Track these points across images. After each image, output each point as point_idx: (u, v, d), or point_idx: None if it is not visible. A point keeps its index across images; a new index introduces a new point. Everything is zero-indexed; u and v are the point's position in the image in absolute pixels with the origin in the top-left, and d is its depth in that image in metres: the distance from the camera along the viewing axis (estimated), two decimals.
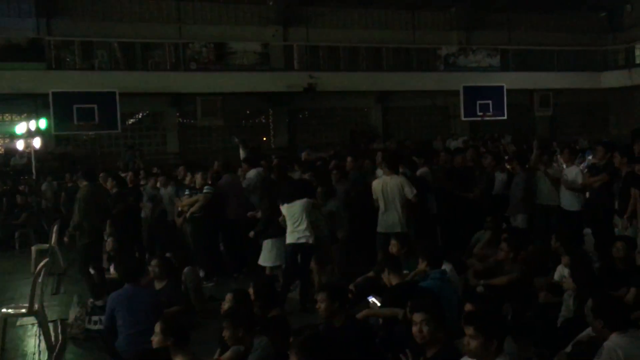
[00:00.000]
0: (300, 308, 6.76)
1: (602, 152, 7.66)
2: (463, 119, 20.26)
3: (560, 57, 22.39)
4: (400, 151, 12.95)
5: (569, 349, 4.29)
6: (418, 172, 8.35)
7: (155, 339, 4.17)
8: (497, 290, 5.67)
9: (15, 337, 6.45)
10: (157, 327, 4.18)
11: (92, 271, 7.62)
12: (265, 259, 7.66)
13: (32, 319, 6.37)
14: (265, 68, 18.88)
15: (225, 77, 18.17)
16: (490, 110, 19.84)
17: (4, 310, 6.24)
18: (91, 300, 6.98)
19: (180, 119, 19.71)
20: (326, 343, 3.84)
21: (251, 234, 7.98)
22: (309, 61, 20.00)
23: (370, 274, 6.45)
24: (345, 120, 21.52)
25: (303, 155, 15.25)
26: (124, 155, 17.67)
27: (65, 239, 8.08)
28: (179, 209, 9.14)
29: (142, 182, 10.59)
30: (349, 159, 9.55)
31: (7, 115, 19.04)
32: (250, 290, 5.03)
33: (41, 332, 6.03)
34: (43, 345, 5.99)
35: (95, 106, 16.11)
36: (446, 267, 5.63)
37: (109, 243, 8.44)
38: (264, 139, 20.67)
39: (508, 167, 9.41)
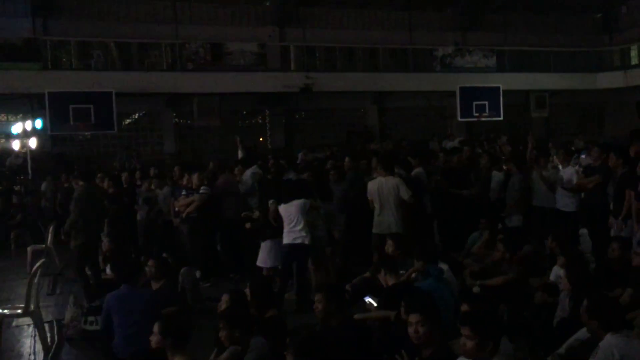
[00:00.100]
0: (297, 309, 6.76)
1: (597, 153, 7.70)
2: (459, 119, 20.30)
3: (556, 58, 22.45)
4: (395, 152, 12.97)
5: (562, 350, 4.31)
6: (413, 173, 8.36)
7: (154, 339, 4.16)
8: (493, 291, 5.70)
9: (11, 338, 6.44)
10: (156, 327, 4.18)
11: (88, 272, 7.62)
12: (264, 260, 7.67)
13: (28, 320, 6.37)
14: (261, 68, 18.86)
15: (222, 77, 18.14)
16: (487, 111, 19.89)
17: None
18: (85, 301, 6.98)
19: (176, 119, 19.68)
20: (323, 344, 3.85)
21: (247, 225, 7.99)
22: (306, 62, 20.00)
23: (367, 274, 6.47)
24: (341, 121, 21.52)
25: (300, 155, 15.27)
26: (120, 155, 17.64)
27: (63, 237, 8.08)
28: (176, 209, 9.14)
29: (138, 183, 10.58)
30: (346, 159, 9.56)
31: (2, 115, 18.99)
32: (247, 291, 5.04)
33: (37, 333, 6.02)
34: (39, 346, 5.97)
35: (92, 106, 16.06)
36: (443, 267, 5.65)
37: (105, 244, 8.44)
38: (261, 139, 20.66)
39: (505, 167, 9.44)
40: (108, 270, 8.09)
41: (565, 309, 5.05)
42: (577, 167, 8.66)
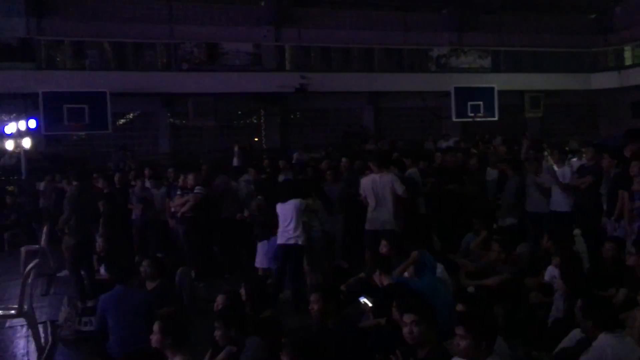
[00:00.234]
0: (293, 309, 6.76)
1: (591, 154, 7.72)
2: (454, 119, 20.32)
3: (550, 59, 22.51)
4: (387, 152, 13.00)
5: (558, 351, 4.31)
6: (406, 173, 8.37)
7: (154, 338, 4.15)
8: (488, 291, 5.71)
9: (5, 339, 6.42)
10: (156, 326, 4.17)
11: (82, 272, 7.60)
12: (260, 261, 7.66)
13: (21, 321, 6.34)
14: (257, 68, 18.84)
15: (217, 77, 18.11)
16: (482, 111, 19.93)
17: None
18: (80, 301, 6.95)
19: (171, 120, 19.63)
20: (318, 344, 3.84)
21: (239, 215, 7.99)
22: (301, 62, 19.99)
23: (362, 274, 6.48)
24: (337, 121, 21.51)
25: (295, 155, 15.26)
26: (115, 155, 17.59)
27: (59, 234, 8.05)
28: (172, 209, 9.13)
29: (132, 183, 10.56)
30: (343, 159, 9.57)
31: None
32: (242, 291, 5.03)
33: (31, 334, 5.99)
34: (33, 346, 5.95)
35: (86, 106, 16.01)
36: (438, 267, 5.65)
37: (99, 244, 8.41)
38: (256, 139, 20.64)
39: (500, 167, 9.46)
40: (102, 270, 8.07)
41: (560, 309, 5.07)
42: (571, 167, 8.69)
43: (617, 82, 21.89)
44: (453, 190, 8.51)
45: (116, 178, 10.40)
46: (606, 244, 5.90)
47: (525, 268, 6.36)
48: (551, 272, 5.72)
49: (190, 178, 8.95)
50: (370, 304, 5.14)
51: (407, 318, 3.78)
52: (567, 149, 11.80)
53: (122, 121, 18.92)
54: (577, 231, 7.84)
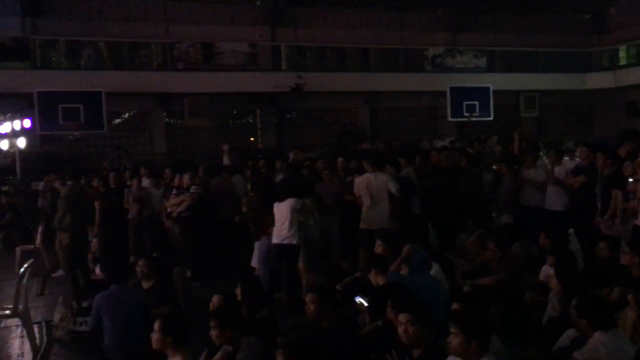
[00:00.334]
0: (288, 309, 6.75)
1: (585, 153, 7.75)
2: (450, 119, 20.37)
3: (545, 59, 22.60)
4: (382, 152, 13.02)
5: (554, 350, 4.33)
6: (402, 173, 8.39)
7: (154, 337, 4.15)
8: (484, 290, 5.72)
9: (0, 339, 6.39)
10: (156, 325, 4.17)
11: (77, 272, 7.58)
12: (257, 261, 7.66)
13: (16, 321, 6.32)
14: (252, 68, 18.84)
15: (213, 77, 18.11)
16: (477, 111, 19.98)
17: None
18: (75, 301, 6.94)
19: (167, 119, 19.60)
20: (313, 344, 3.84)
21: (237, 218, 8.01)
22: (297, 61, 20.02)
23: (358, 274, 6.48)
24: (333, 121, 21.52)
25: (290, 155, 15.25)
26: (110, 155, 17.55)
27: (55, 231, 8.04)
28: (168, 209, 9.11)
29: (128, 183, 10.53)
30: (340, 159, 9.58)
31: None
32: (238, 291, 5.03)
33: (26, 334, 5.98)
34: (27, 347, 5.93)
35: (81, 106, 15.99)
36: (433, 267, 5.66)
37: (94, 244, 8.39)
38: (252, 139, 20.63)
39: (495, 167, 9.48)
40: (97, 270, 8.05)
41: (555, 308, 5.08)
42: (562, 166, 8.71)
43: (612, 82, 21.98)
44: (449, 188, 8.52)
45: (111, 177, 10.39)
46: (600, 244, 5.92)
47: (520, 267, 6.37)
48: (546, 271, 5.74)
49: (186, 178, 8.94)
50: (365, 304, 5.14)
51: (402, 317, 3.79)
52: (562, 148, 11.83)
53: (117, 121, 18.89)
54: (570, 230, 7.87)
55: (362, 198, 7.48)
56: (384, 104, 21.86)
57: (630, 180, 6.63)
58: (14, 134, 16.01)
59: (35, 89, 15.66)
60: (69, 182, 7.97)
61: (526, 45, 22.49)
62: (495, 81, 20.47)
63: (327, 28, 21.02)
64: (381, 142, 18.37)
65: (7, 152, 16.98)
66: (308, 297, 4.57)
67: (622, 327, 4.10)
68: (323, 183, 8.58)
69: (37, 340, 6.05)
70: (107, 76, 17.07)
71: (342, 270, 7.51)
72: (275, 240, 7.07)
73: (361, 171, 7.95)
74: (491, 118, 20.14)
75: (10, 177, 15.60)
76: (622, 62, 22.61)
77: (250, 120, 20.83)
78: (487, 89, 20.05)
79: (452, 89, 19.68)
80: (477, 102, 19.91)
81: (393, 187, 7.32)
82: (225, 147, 10.65)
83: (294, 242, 6.98)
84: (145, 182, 10.22)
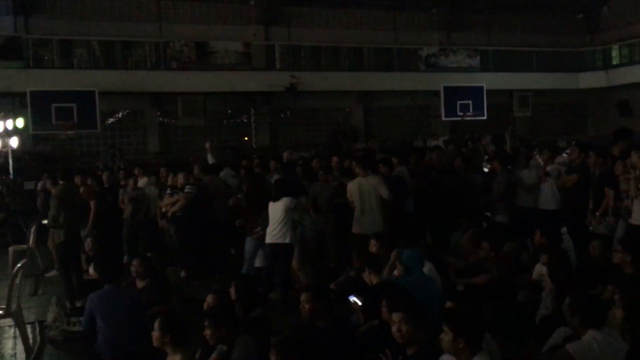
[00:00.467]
0: (282, 308, 6.75)
1: (576, 153, 7.78)
2: (444, 119, 20.42)
3: (538, 58, 22.68)
4: (371, 152, 13.03)
5: (546, 348, 4.35)
6: (394, 172, 8.40)
7: (154, 335, 4.16)
8: (477, 289, 5.73)
9: None
10: (157, 324, 4.18)
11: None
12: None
13: (9, 321, 6.28)
14: (246, 67, 18.81)
15: (207, 76, 18.07)
16: (471, 110, 20.03)
17: None
18: (68, 301, 6.91)
19: (161, 119, 19.55)
20: (306, 343, 3.85)
21: (237, 222, 8.02)
22: (291, 61, 19.99)
23: (352, 273, 6.48)
24: (327, 120, 21.54)
25: (284, 155, 15.24)
26: (103, 155, 17.50)
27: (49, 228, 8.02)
28: (163, 209, 9.09)
29: (122, 183, 10.50)
30: (334, 159, 9.57)
31: None
32: (231, 290, 5.02)
33: (19, 334, 5.95)
34: (21, 347, 5.91)
35: (74, 105, 15.93)
36: (427, 266, 5.66)
37: (88, 243, 8.36)
38: (246, 138, 20.61)
39: (486, 168, 9.50)
40: (91, 270, 8.02)
41: (548, 307, 5.10)
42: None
43: (605, 81, 22.09)
44: (440, 187, 8.53)
45: (105, 177, 10.35)
46: (593, 242, 5.95)
47: (514, 266, 6.39)
48: (539, 270, 5.76)
49: (181, 177, 8.91)
50: (359, 303, 5.15)
51: (396, 317, 3.80)
52: (556, 146, 11.88)
53: (110, 120, 18.83)
54: (563, 229, 7.90)
55: (354, 203, 7.48)
56: (377, 103, 21.89)
57: (622, 179, 6.66)
58: (6, 134, 15.92)
59: (28, 88, 15.58)
60: (61, 182, 7.93)
61: (519, 45, 22.56)
62: (488, 81, 20.53)
63: (321, 27, 21.02)
64: (375, 142, 18.40)
65: (0, 151, 16.89)
66: (303, 297, 4.58)
67: (610, 326, 4.12)
68: (318, 183, 8.58)
69: (30, 341, 6.02)
70: (100, 75, 17.00)
71: (332, 270, 7.53)
72: (268, 239, 7.06)
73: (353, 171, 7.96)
74: (485, 117, 20.20)
75: (3, 177, 15.51)
76: (615, 61, 22.71)
77: (244, 120, 20.81)
78: (481, 88, 20.11)
79: (445, 88, 19.73)
80: (470, 102, 19.97)
81: (384, 192, 7.32)
82: (208, 144, 10.61)
83: (288, 241, 6.98)
84: (141, 182, 10.20)
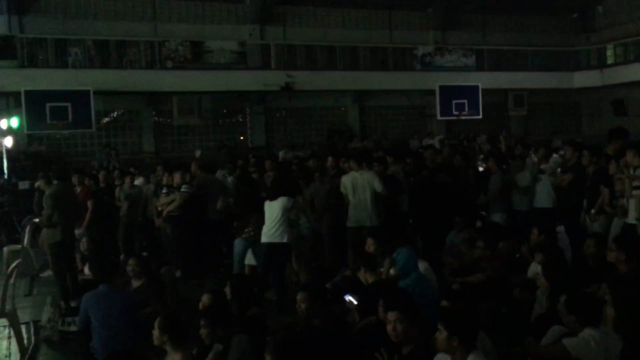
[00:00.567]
0: (278, 308, 6.75)
1: (570, 152, 7.81)
2: (439, 118, 20.43)
3: (533, 58, 22.71)
4: (367, 150, 13.05)
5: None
6: (389, 171, 8.42)
7: (154, 335, 4.17)
8: (472, 288, 5.74)
9: None
10: (156, 323, 4.18)
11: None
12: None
13: (3, 321, 6.26)
14: (242, 67, 18.77)
15: (202, 75, 18.02)
16: (466, 109, 20.05)
17: None
18: (63, 301, 6.89)
19: (156, 118, 19.50)
20: (301, 343, 3.84)
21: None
22: (286, 60, 19.96)
23: (347, 272, 6.49)
24: (322, 120, 21.53)
25: (280, 154, 15.25)
26: (98, 154, 17.44)
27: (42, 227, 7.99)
28: (159, 208, 9.08)
29: (116, 182, 10.48)
30: (329, 159, 9.59)
31: None
32: (227, 290, 5.02)
33: (13, 335, 5.93)
34: (15, 347, 5.88)
35: (69, 105, 15.86)
36: (422, 265, 5.68)
37: (83, 243, 8.35)
38: (241, 138, 20.59)
39: (482, 167, 9.51)
40: (86, 270, 8.01)
41: (543, 305, 5.11)
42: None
43: (599, 80, 22.15)
44: (434, 186, 8.54)
45: (101, 177, 10.34)
46: (587, 240, 5.96)
47: (509, 265, 6.40)
48: (534, 269, 5.77)
49: (177, 177, 8.90)
50: (355, 302, 5.15)
51: (391, 316, 3.80)
52: (551, 146, 11.91)
53: (105, 120, 18.75)
54: (560, 228, 7.92)
55: (348, 196, 7.52)
56: (373, 102, 21.90)
57: (617, 179, 6.67)
58: (1, 133, 15.86)
59: (23, 87, 15.51)
60: (55, 182, 7.91)
61: (514, 44, 22.60)
62: (483, 80, 20.55)
63: (316, 27, 21.01)
64: (371, 141, 18.40)
65: None
66: (299, 296, 4.58)
67: (604, 324, 4.13)
68: (315, 183, 8.59)
69: (25, 341, 6.00)
70: (95, 75, 16.92)
71: (328, 270, 7.53)
72: (265, 239, 7.06)
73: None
74: (480, 117, 20.22)
75: None
76: (610, 60, 22.77)
77: (240, 119, 20.78)
78: (476, 87, 20.13)
79: (441, 87, 19.74)
80: (466, 101, 19.98)
81: (378, 186, 7.39)
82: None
83: (285, 240, 6.98)
84: (137, 181, 10.19)
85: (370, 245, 6.23)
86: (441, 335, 3.40)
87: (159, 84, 17.75)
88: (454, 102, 19.87)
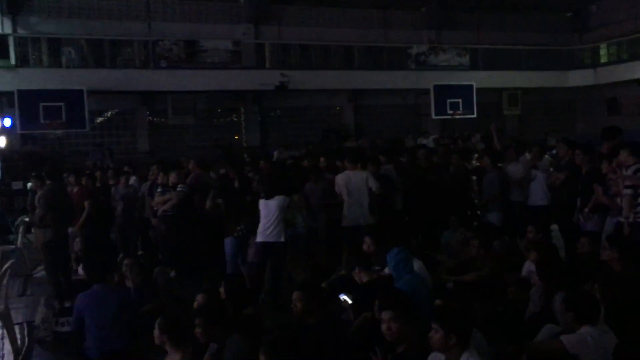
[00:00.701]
0: (273, 307, 6.75)
1: (564, 150, 7.82)
2: (434, 117, 20.46)
3: (527, 57, 22.78)
4: (361, 149, 13.05)
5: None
6: (382, 170, 8.43)
7: (155, 334, 4.17)
8: (467, 287, 5.76)
9: None
10: (157, 323, 4.19)
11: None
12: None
13: None
14: (236, 66, 18.74)
15: (196, 75, 17.99)
16: (460, 108, 20.09)
17: None
18: (57, 301, 6.87)
19: (150, 118, 19.46)
20: (296, 343, 3.84)
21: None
22: (281, 59, 19.95)
23: (342, 271, 6.49)
24: (317, 119, 21.53)
25: (275, 154, 15.22)
26: (93, 154, 17.39)
27: (32, 231, 7.95)
28: (155, 208, 9.05)
29: (110, 182, 10.45)
30: (322, 159, 9.59)
31: None
32: (222, 289, 5.01)
33: (7, 335, 5.90)
34: (9, 348, 5.85)
35: (63, 104, 15.81)
36: (417, 264, 5.67)
37: (77, 243, 8.31)
38: (236, 137, 20.57)
39: (478, 163, 9.53)
40: (80, 270, 7.98)
41: (537, 304, 5.12)
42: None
43: (593, 79, 22.24)
44: (428, 185, 8.55)
45: (97, 176, 10.31)
46: (581, 239, 5.98)
47: (503, 263, 6.42)
48: (528, 268, 5.78)
49: (173, 176, 8.88)
50: (350, 301, 5.15)
51: (386, 315, 3.81)
52: (545, 145, 11.95)
53: (100, 119, 18.71)
54: (554, 226, 7.94)
55: (343, 195, 7.53)
56: (368, 101, 21.91)
57: (612, 180, 6.68)
58: None
59: (16, 87, 15.46)
60: (48, 181, 7.87)
61: (509, 43, 22.66)
62: (478, 79, 20.60)
63: (311, 26, 21.00)
64: (366, 140, 18.39)
65: None
66: (295, 295, 4.57)
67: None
68: (311, 182, 8.59)
69: (19, 342, 5.97)
70: (88, 74, 16.88)
71: (324, 269, 7.53)
72: (260, 238, 7.05)
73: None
74: (474, 116, 20.27)
75: None
76: (603, 59, 22.86)
77: (235, 119, 20.76)
78: (470, 86, 20.18)
79: (435, 86, 19.77)
80: (460, 100, 20.03)
81: (373, 184, 7.41)
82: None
83: (281, 239, 6.97)
84: (131, 181, 10.15)
85: (367, 244, 6.23)
86: (437, 334, 3.40)
87: (153, 84, 17.71)
88: (449, 101, 19.91)
